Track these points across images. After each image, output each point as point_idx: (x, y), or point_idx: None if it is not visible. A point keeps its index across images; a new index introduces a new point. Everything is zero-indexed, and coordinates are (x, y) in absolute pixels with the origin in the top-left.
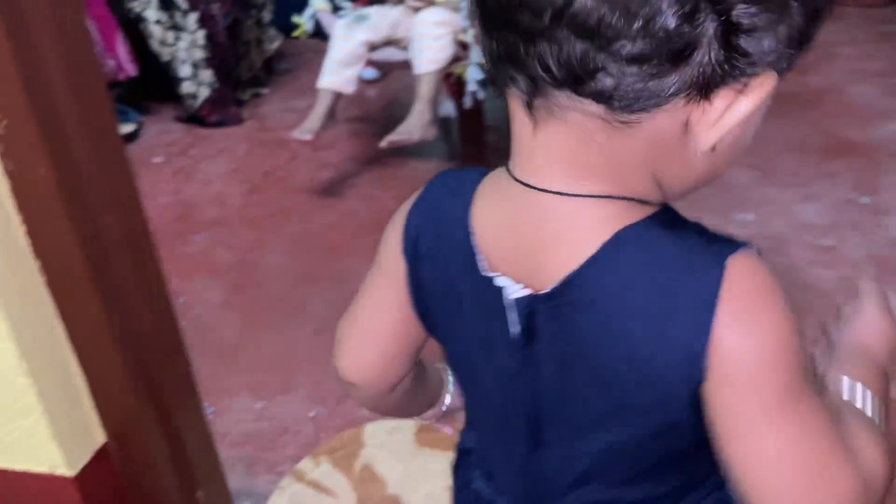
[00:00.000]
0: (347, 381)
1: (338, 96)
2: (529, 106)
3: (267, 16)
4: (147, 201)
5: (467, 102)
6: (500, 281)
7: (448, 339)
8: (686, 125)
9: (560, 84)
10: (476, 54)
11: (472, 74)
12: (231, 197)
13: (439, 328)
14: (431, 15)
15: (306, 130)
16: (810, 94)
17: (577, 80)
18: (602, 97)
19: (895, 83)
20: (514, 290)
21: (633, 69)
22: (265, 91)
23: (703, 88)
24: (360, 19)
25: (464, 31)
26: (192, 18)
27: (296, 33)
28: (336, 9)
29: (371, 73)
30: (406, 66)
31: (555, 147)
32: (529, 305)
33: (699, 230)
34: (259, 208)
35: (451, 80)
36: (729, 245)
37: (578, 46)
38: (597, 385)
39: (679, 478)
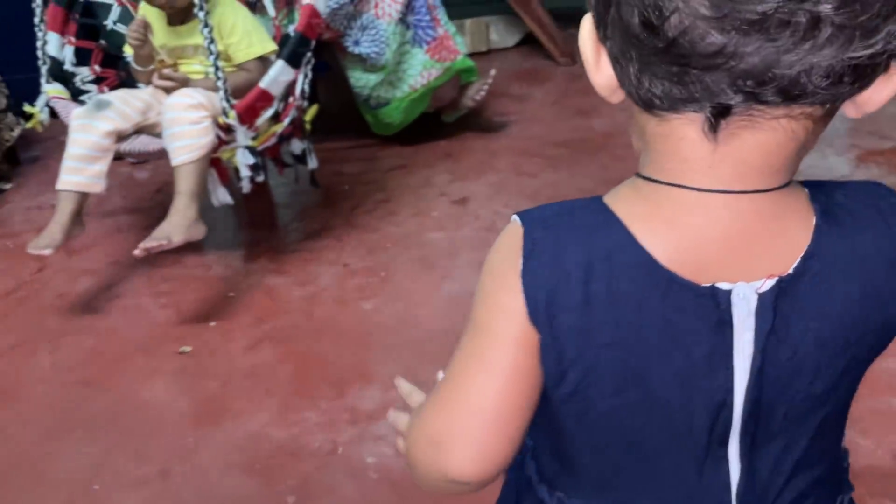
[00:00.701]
0: (465, 480)
1: (84, 197)
2: (714, 127)
3: (2, 101)
4: None
5: (245, 187)
6: (724, 286)
7: (620, 382)
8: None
9: (779, 103)
10: (243, 137)
11: (243, 159)
12: None
13: (596, 379)
14: (184, 97)
15: (44, 245)
16: (597, 137)
17: (800, 97)
18: (827, 100)
19: None
20: (747, 288)
21: (860, 79)
22: (8, 187)
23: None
24: (101, 106)
25: (224, 112)
26: None
27: (30, 124)
28: (78, 93)
29: None
30: (164, 155)
31: (745, 154)
32: (774, 294)
33: (830, 183)
34: None
35: (221, 165)
36: (878, 183)
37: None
38: (829, 356)
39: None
